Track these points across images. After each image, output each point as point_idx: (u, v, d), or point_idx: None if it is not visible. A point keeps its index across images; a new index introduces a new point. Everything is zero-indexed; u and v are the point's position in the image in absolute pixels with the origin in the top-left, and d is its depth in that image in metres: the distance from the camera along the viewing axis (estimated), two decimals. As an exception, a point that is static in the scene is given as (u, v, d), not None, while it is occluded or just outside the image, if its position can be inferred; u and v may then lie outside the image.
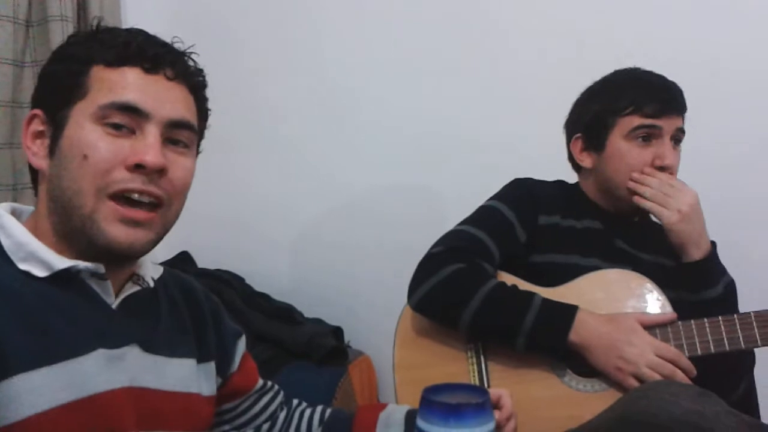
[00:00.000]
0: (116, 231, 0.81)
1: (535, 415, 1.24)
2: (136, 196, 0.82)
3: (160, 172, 0.83)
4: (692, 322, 1.26)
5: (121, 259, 0.86)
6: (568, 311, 1.27)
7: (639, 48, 1.69)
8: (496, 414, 0.98)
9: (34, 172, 0.89)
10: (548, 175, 1.52)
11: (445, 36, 2.00)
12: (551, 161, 1.53)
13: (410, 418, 1.04)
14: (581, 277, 1.35)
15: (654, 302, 1.31)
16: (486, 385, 1.31)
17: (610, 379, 1.25)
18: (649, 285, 1.32)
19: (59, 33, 1.86)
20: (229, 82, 2.15)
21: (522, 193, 1.46)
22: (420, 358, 1.36)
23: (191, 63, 0.92)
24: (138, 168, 0.82)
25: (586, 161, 1.44)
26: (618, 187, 1.39)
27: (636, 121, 1.36)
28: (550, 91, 1.78)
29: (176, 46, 0.90)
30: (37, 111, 0.87)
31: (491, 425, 0.72)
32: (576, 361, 1.28)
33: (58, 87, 0.86)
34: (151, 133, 0.83)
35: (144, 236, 0.83)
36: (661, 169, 1.35)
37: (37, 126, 0.87)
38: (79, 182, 0.81)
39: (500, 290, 1.31)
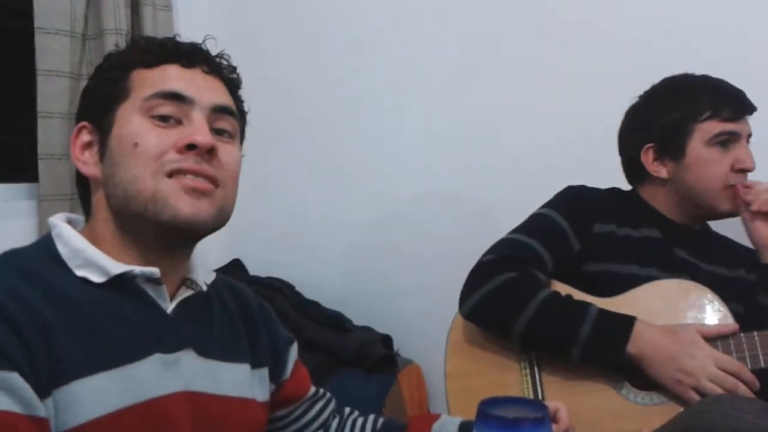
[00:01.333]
0: (181, 203, 0.82)
1: (592, 429, 1.21)
2: (190, 176, 0.83)
3: (211, 152, 0.84)
4: (755, 333, 1.22)
5: (183, 240, 0.87)
6: (626, 322, 1.23)
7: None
8: (554, 428, 0.95)
9: (82, 186, 0.92)
10: (596, 180, 1.49)
11: (486, 41, 1.98)
12: (597, 168, 1.51)
13: (464, 430, 1.03)
14: (638, 287, 1.31)
15: (714, 313, 1.27)
16: (540, 396, 1.28)
17: (669, 392, 1.22)
18: (709, 295, 1.28)
19: (114, 46, 1.90)
20: (275, 94, 2.18)
21: (575, 201, 1.43)
22: (472, 367, 1.35)
23: (224, 62, 0.94)
24: (189, 149, 0.83)
25: (662, 171, 1.40)
26: (701, 194, 1.36)
27: (716, 127, 1.34)
28: (595, 97, 1.75)
29: (209, 44, 0.93)
30: (84, 123, 0.89)
31: (550, 440, 0.70)
32: (633, 373, 1.25)
33: (101, 95, 0.88)
34: (198, 118, 0.85)
35: (207, 207, 0.83)
36: (742, 171, 1.34)
37: (85, 137, 0.89)
38: (133, 170, 0.82)
39: (555, 299, 1.28)
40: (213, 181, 0.84)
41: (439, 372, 1.37)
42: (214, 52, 0.93)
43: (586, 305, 1.26)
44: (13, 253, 0.83)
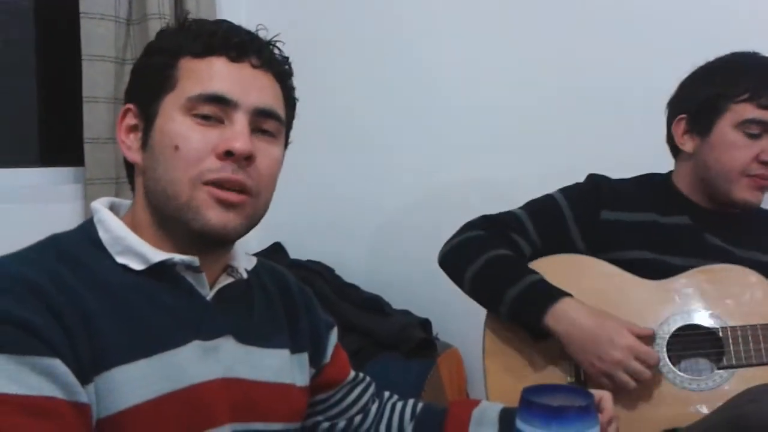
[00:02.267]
0: (211, 214, 0.82)
1: (636, 416, 1.20)
2: (226, 186, 0.83)
3: (249, 159, 0.83)
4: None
5: (214, 244, 0.87)
6: (552, 295, 1.26)
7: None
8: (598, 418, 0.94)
9: (130, 167, 0.91)
10: (639, 170, 1.47)
11: (529, 28, 1.94)
12: (643, 157, 1.47)
13: (505, 417, 1.01)
14: (693, 269, 1.29)
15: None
16: (581, 376, 1.26)
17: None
18: (754, 278, 1.25)
19: (157, 30, 1.92)
20: (317, 77, 2.17)
21: (586, 188, 1.43)
22: (510, 346, 1.34)
23: (276, 51, 0.91)
24: (227, 155, 0.82)
25: (688, 145, 1.36)
26: (717, 176, 1.32)
27: (750, 111, 1.27)
28: (641, 85, 1.69)
29: (261, 34, 0.90)
30: (130, 105, 0.89)
31: (596, 430, 0.69)
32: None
33: (149, 80, 0.87)
34: (239, 121, 0.84)
35: (235, 218, 0.83)
36: (766, 164, 1.28)
37: (131, 120, 0.89)
38: (172, 173, 0.82)
39: (504, 259, 1.33)
40: (247, 190, 0.84)
41: (479, 356, 1.37)
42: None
43: (529, 272, 1.30)
44: (55, 238, 0.84)
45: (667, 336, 1.25)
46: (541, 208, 1.42)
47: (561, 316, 1.24)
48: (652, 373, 1.20)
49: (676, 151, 1.42)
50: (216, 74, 0.84)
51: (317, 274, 2.10)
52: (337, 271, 2.18)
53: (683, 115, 1.37)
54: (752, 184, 1.29)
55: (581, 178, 1.46)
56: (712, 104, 1.32)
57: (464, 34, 2.05)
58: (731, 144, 1.30)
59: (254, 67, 0.87)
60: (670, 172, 1.44)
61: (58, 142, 2.11)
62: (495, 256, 1.33)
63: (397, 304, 2.07)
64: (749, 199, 1.31)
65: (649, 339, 1.24)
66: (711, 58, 1.36)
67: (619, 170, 1.46)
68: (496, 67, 2.00)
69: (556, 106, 1.91)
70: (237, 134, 0.83)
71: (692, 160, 1.37)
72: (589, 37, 1.85)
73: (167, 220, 0.85)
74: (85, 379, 0.73)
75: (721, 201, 1.34)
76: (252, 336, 0.91)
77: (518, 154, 1.98)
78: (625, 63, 1.78)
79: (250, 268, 0.95)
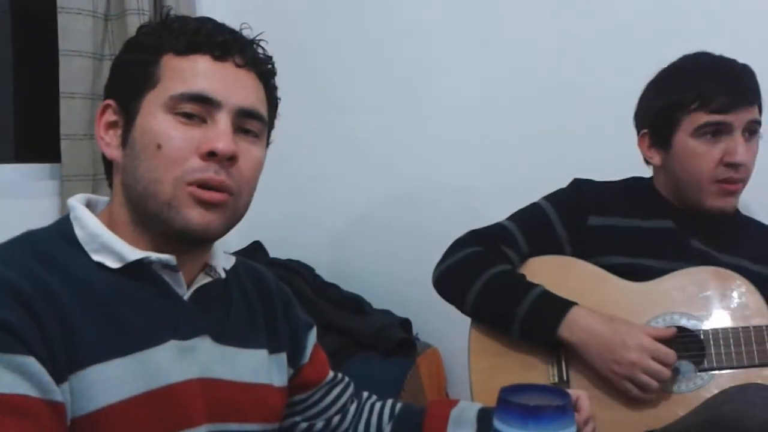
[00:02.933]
0: (193, 213, 0.81)
1: (617, 417, 1.21)
2: (207, 186, 0.82)
3: (231, 160, 0.83)
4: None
5: (194, 243, 0.86)
6: (562, 306, 1.25)
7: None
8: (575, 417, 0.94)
9: (108, 163, 0.90)
10: (634, 172, 1.46)
11: (524, 28, 1.94)
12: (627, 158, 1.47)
13: (483, 416, 1.02)
14: (676, 272, 1.29)
15: (746, 299, 1.25)
16: (565, 376, 1.27)
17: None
18: (738, 281, 1.26)
19: (136, 26, 1.87)
20: (296, 75, 2.15)
21: (571, 193, 1.42)
22: (495, 347, 1.33)
23: (260, 50, 0.91)
24: (210, 156, 0.82)
25: (655, 158, 1.38)
26: (687, 186, 1.32)
27: (703, 117, 1.27)
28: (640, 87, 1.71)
29: (245, 33, 0.90)
30: (110, 101, 0.88)
31: (572, 429, 0.69)
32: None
33: (130, 77, 0.86)
34: (222, 121, 0.83)
35: (217, 218, 0.83)
36: (731, 165, 1.27)
37: (110, 116, 0.88)
38: (155, 172, 0.81)
39: (504, 276, 1.32)
40: (228, 190, 0.84)
41: (459, 356, 1.37)
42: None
43: (532, 286, 1.29)
44: (30, 235, 0.83)
45: None
46: (528, 217, 1.41)
47: (574, 327, 1.23)
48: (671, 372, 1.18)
49: (648, 163, 1.43)
50: (200, 73, 0.84)
51: (297, 273, 2.09)
52: (317, 270, 2.17)
53: (645, 130, 1.38)
54: (721, 190, 1.29)
55: (574, 175, 1.46)
56: (667, 117, 1.32)
57: (454, 33, 2.04)
58: (693, 153, 1.29)
59: (238, 66, 0.86)
60: (650, 178, 1.45)
61: (34, 138, 2.08)
62: (493, 275, 1.31)
63: (377, 303, 2.07)
64: (721, 206, 1.30)
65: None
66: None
67: (613, 172, 1.46)
68: (489, 66, 2.00)
69: (552, 107, 1.90)
70: (220, 134, 0.82)
71: (662, 171, 1.39)
72: (589, 36, 1.85)
73: (146, 217, 0.84)
74: (60, 377, 0.72)
75: (696, 209, 1.34)
76: (229, 336, 0.90)
77: (504, 155, 1.98)
78: (625, 63, 1.77)
79: (228, 267, 0.95)
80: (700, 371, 1.23)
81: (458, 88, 2.04)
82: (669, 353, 1.19)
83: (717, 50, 1.34)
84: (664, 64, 1.37)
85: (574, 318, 1.23)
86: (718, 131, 1.27)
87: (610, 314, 1.25)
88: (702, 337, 1.24)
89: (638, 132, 1.41)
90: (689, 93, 1.28)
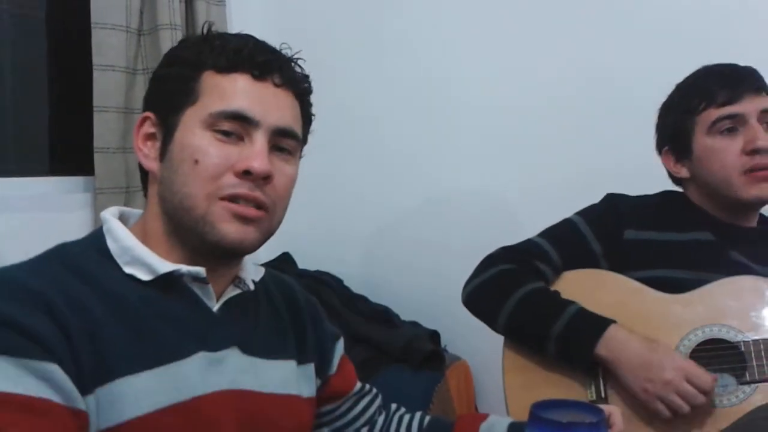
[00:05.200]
0: (228, 228, 0.82)
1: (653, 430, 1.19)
2: (242, 201, 0.83)
3: (266, 178, 0.84)
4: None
5: (228, 257, 0.87)
6: (600, 324, 1.22)
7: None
8: (607, 432, 0.92)
9: (145, 174, 0.91)
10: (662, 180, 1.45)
11: (547, 32, 1.93)
12: (659, 164, 1.45)
13: (513, 431, 1.00)
14: (714, 282, 1.26)
15: None
16: (602, 393, 1.24)
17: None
18: None
19: (169, 41, 1.93)
20: (327, 87, 2.16)
21: (605, 208, 1.41)
22: (530, 363, 1.31)
23: (298, 69, 0.92)
24: (246, 174, 0.82)
25: (683, 171, 1.38)
26: (719, 186, 1.31)
27: (713, 114, 1.29)
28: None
29: (284, 52, 0.91)
30: (149, 114, 0.89)
31: (605, 446, 0.68)
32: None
33: (170, 91, 0.87)
34: (259, 141, 0.84)
35: (252, 233, 0.84)
36: (755, 152, 1.26)
37: (149, 128, 0.89)
38: (190, 186, 0.82)
39: (538, 294, 1.29)
40: (263, 207, 0.84)
41: (488, 369, 1.35)
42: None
43: (567, 303, 1.26)
44: (63, 247, 0.84)
45: (689, 351, 1.23)
46: (561, 232, 1.39)
47: (612, 345, 1.20)
48: (707, 398, 1.15)
49: (678, 181, 1.43)
50: (239, 92, 0.84)
51: (325, 284, 2.09)
52: (346, 282, 2.18)
53: (666, 147, 1.40)
54: (752, 179, 1.28)
55: (601, 186, 1.45)
56: (681, 127, 1.35)
57: (478, 41, 2.04)
58: (713, 150, 1.30)
59: (276, 86, 0.87)
60: (683, 192, 1.44)
61: (68, 152, 2.12)
62: (526, 293, 1.29)
63: (405, 315, 2.06)
64: (758, 195, 1.29)
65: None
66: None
67: (645, 178, 1.45)
68: (517, 73, 1.98)
69: (582, 113, 1.89)
70: (256, 154, 0.83)
71: (693, 182, 1.38)
72: (619, 39, 1.83)
73: (181, 230, 0.85)
74: (85, 389, 0.73)
75: (737, 209, 1.33)
76: (258, 347, 0.91)
77: (532, 167, 1.96)
78: (654, 66, 1.75)
79: (257, 279, 0.95)
80: (741, 384, 1.20)
81: (487, 97, 2.03)
82: (706, 379, 1.15)
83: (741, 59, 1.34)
84: (692, 70, 1.38)
85: (611, 335, 1.21)
86: (733, 126, 1.29)
87: (649, 329, 1.22)
88: (743, 349, 1.21)
89: (660, 153, 1.42)
90: (694, 96, 1.33)
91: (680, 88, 1.38)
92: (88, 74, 1.90)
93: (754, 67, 1.33)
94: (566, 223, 1.41)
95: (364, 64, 2.25)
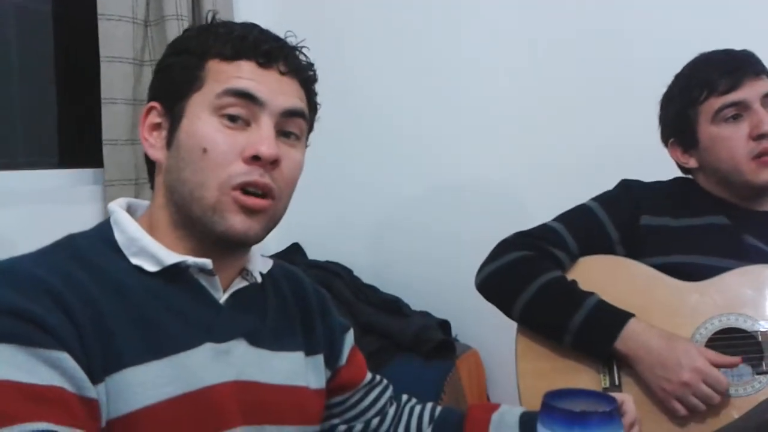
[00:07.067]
0: (236, 219, 0.82)
1: (672, 421, 1.18)
2: (251, 189, 0.83)
3: (274, 163, 0.84)
4: None
5: (234, 247, 0.87)
6: (620, 318, 1.21)
7: None
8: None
9: (151, 164, 0.91)
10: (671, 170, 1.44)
11: (551, 23, 1.91)
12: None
13: (525, 421, 1.00)
14: (731, 271, 1.25)
15: None
16: (616, 381, 1.24)
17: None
18: None
19: (175, 31, 1.92)
20: (336, 77, 2.16)
21: (620, 194, 1.40)
22: (544, 351, 1.30)
23: (303, 57, 0.91)
24: (254, 159, 0.82)
25: (691, 162, 1.38)
26: (729, 173, 1.31)
27: (716, 102, 1.29)
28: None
29: (289, 40, 0.90)
30: (155, 103, 0.88)
31: (619, 436, 0.67)
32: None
33: (175, 79, 0.87)
34: (266, 124, 0.84)
35: (258, 224, 0.84)
36: (762, 137, 1.26)
37: (155, 118, 0.88)
38: (200, 175, 0.82)
39: (557, 284, 1.28)
40: (271, 193, 0.84)
41: (499, 358, 1.35)
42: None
43: (587, 294, 1.25)
44: (71, 239, 0.84)
45: (705, 340, 1.22)
46: (577, 218, 1.38)
47: (631, 340, 1.20)
48: (721, 398, 1.15)
49: (687, 171, 1.42)
50: (244, 74, 0.84)
51: (336, 274, 2.09)
52: (356, 272, 2.17)
53: (672, 139, 1.40)
54: (762, 164, 1.28)
55: (611, 173, 1.45)
56: (685, 117, 1.35)
57: (488, 29, 2.03)
58: (719, 138, 1.30)
59: (282, 73, 0.87)
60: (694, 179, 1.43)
61: (77, 144, 2.12)
62: (544, 283, 1.27)
63: (416, 305, 2.06)
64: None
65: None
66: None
67: (658, 166, 1.44)
68: (526, 62, 1.97)
69: (592, 102, 1.87)
70: (263, 138, 0.83)
71: (702, 171, 1.38)
72: (631, 29, 1.81)
73: (188, 220, 0.84)
74: (95, 378, 0.73)
75: (749, 194, 1.32)
76: (265, 339, 0.90)
77: (544, 157, 1.94)
78: (666, 56, 1.72)
79: (265, 270, 0.95)
80: (758, 374, 1.18)
81: (495, 85, 2.02)
82: (722, 381, 1.15)
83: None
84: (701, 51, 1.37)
85: (630, 331, 1.20)
86: (737, 113, 1.29)
87: (665, 318, 1.21)
88: (760, 338, 1.19)
89: (666, 145, 1.42)
90: (695, 86, 1.32)
91: (679, 78, 1.38)
92: (95, 66, 1.90)
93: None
94: (582, 208, 1.39)
95: (372, 52, 2.24)
